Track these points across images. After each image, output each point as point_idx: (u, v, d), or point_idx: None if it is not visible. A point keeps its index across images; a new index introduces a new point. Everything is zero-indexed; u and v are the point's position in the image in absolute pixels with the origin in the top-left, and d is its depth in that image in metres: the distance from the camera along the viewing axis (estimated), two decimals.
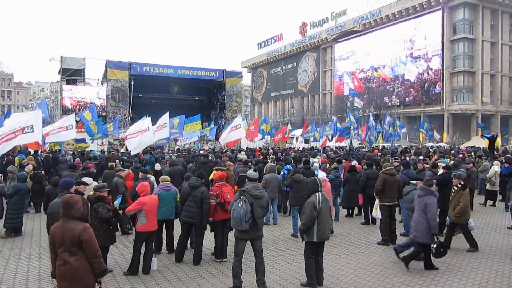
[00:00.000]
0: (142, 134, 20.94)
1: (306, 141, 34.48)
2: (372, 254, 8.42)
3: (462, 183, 8.61)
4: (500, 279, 6.94)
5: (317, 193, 6.55)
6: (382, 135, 33.02)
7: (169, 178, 8.83)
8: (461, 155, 20.75)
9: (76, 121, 37.97)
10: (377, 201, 9.55)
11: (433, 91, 63.54)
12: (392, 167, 9.92)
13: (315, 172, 11.61)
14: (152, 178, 10.60)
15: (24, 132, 16.13)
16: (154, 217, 7.31)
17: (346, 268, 7.52)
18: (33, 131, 15.77)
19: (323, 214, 6.46)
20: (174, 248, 8.36)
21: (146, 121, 22.49)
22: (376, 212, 9.53)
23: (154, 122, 26.53)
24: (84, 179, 9.14)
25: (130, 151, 21.74)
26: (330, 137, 31.67)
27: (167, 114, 24.44)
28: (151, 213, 7.22)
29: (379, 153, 21.40)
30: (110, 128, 26.19)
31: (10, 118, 19.33)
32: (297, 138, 37.67)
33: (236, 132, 23.50)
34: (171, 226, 8.54)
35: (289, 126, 37.33)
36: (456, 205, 8.42)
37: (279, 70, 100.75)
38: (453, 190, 8.73)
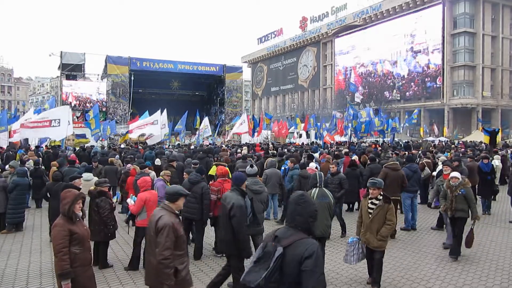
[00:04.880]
0: (149, 126, 22.32)
1: (307, 135, 34.47)
2: None
3: (382, 193, 6.21)
4: (500, 272, 6.95)
5: (314, 189, 6.53)
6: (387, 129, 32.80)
7: (169, 172, 8.87)
8: (462, 149, 20.71)
9: (76, 116, 38.16)
10: None
11: (433, 86, 63.44)
12: (397, 162, 9.90)
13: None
14: (152, 173, 10.58)
15: (52, 125, 17.26)
16: None
17: None
18: (59, 125, 17.04)
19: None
20: None
21: (156, 114, 24.54)
22: None
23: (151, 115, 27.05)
24: (84, 174, 9.16)
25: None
26: (331, 131, 31.64)
27: (165, 112, 25.42)
28: (151, 208, 7.19)
29: (380, 148, 21.42)
30: (108, 132, 26.67)
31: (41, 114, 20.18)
32: (298, 133, 37.66)
33: (241, 127, 26.73)
34: None
35: (297, 120, 37.51)
36: (380, 226, 6.06)
37: (279, 65, 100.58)
38: (370, 205, 6.22)
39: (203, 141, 28.01)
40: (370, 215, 6.13)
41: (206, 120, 28.34)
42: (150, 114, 27.39)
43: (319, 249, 2.98)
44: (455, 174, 7.95)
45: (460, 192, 7.63)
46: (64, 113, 18.66)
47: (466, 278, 6.70)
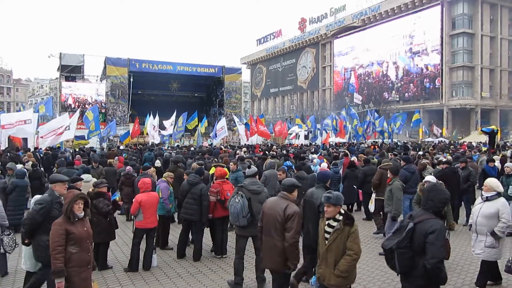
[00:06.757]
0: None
1: (306, 137, 34.50)
2: (372, 249, 8.43)
3: (343, 211, 4.54)
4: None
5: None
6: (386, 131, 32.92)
7: (173, 174, 8.92)
8: (461, 150, 20.71)
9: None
10: (373, 195, 9.53)
11: (432, 86, 63.50)
12: (390, 163, 9.89)
13: (312, 167, 11.66)
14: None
15: (65, 130, 19.93)
16: (152, 214, 7.29)
17: None
18: (69, 129, 19.89)
19: None
20: (168, 245, 8.58)
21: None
22: (372, 206, 9.53)
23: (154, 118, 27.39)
24: (83, 175, 9.15)
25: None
26: (331, 132, 31.66)
27: (174, 114, 27.55)
28: (148, 210, 7.19)
29: (378, 149, 21.43)
30: (110, 133, 27.04)
31: (53, 120, 23.15)
32: (296, 134, 37.74)
33: (222, 132, 27.26)
34: (163, 222, 8.56)
35: (297, 121, 37.59)
36: (339, 257, 4.40)
37: (278, 66, 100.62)
38: (327, 228, 4.53)
39: (202, 143, 28.01)
40: (326, 242, 4.53)
41: (223, 120, 28.22)
42: (150, 116, 27.74)
43: (442, 227, 3.94)
44: (429, 178, 7.64)
45: None
46: (74, 119, 20.83)
47: (465, 279, 6.71)
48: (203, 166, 10.15)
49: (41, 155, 18.65)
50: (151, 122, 27.20)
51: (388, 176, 8.55)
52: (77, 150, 21.66)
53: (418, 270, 3.92)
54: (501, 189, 6.16)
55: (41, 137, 21.10)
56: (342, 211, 4.51)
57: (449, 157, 14.44)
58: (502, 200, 6.04)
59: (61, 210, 5.30)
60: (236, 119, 31.78)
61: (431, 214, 3.99)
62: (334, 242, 4.43)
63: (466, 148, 24.16)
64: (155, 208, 7.41)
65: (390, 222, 8.28)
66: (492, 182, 6.13)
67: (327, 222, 4.56)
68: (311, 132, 32.85)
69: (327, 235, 4.52)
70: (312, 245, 5.61)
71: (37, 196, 6.09)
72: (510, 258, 5.75)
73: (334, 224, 4.46)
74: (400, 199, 8.15)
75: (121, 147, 25.67)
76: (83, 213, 4.72)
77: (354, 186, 11.53)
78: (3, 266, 7.06)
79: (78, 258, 4.49)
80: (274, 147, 23.09)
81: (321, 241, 4.65)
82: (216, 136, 27.53)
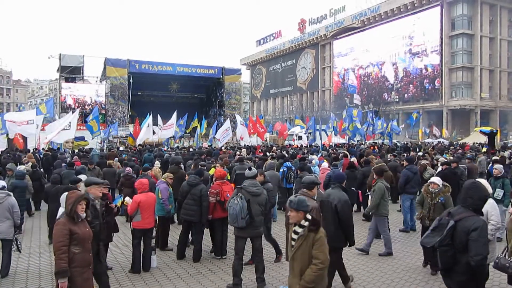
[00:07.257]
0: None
1: (307, 138, 34.53)
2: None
3: (310, 217, 4.16)
4: (499, 274, 6.93)
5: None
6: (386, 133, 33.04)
7: (172, 175, 8.92)
8: (460, 151, 20.70)
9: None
10: (370, 196, 9.51)
11: (432, 87, 63.52)
12: (384, 163, 9.88)
13: (312, 168, 11.67)
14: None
15: (64, 129, 20.45)
16: (149, 215, 7.28)
17: (346, 265, 7.49)
18: (70, 128, 20.42)
19: None
20: (168, 246, 8.58)
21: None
22: None
23: (154, 120, 27.43)
24: (81, 176, 9.16)
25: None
26: (332, 134, 31.72)
27: (175, 114, 27.06)
28: (146, 210, 7.18)
29: (378, 149, 21.45)
30: (112, 133, 27.07)
31: (57, 120, 24.16)
32: (297, 135, 37.78)
33: (227, 134, 26.67)
34: (162, 223, 8.57)
35: (297, 121, 37.66)
36: (304, 266, 4.06)
37: (278, 67, 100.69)
38: (293, 235, 4.17)
39: (202, 144, 28.02)
40: (292, 249, 4.21)
41: (227, 122, 28.12)
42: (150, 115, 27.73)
43: (484, 224, 3.97)
44: (435, 179, 7.37)
45: (439, 200, 7.07)
46: (74, 118, 21.22)
47: None
48: (205, 168, 10.18)
49: (41, 156, 18.67)
50: (149, 122, 27.04)
51: (374, 177, 8.51)
52: (76, 151, 21.70)
53: (460, 266, 4.00)
54: (490, 190, 6.13)
55: (46, 137, 21.27)
56: (309, 217, 4.15)
57: (451, 158, 14.46)
58: (491, 201, 5.89)
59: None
60: (239, 118, 31.49)
61: (471, 211, 4.02)
62: (299, 249, 4.10)
63: (470, 149, 24.14)
64: (152, 208, 7.40)
65: (382, 221, 8.23)
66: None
67: (293, 229, 4.22)
68: (310, 134, 32.86)
69: (293, 243, 4.19)
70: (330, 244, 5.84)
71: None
72: (499, 255, 5.69)
73: (299, 230, 4.12)
74: (378, 199, 7.91)
75: (121, 148, 25.70)
76: (85, 214, 4.73)
77: (353, 188, 11.51)
78: (6, 267, 7.08)
79: (81, 259, 4.50)
80: (274, 148, 23.14)
81: (288, 249, 4.39)
82: (215, 135, 27.47)
